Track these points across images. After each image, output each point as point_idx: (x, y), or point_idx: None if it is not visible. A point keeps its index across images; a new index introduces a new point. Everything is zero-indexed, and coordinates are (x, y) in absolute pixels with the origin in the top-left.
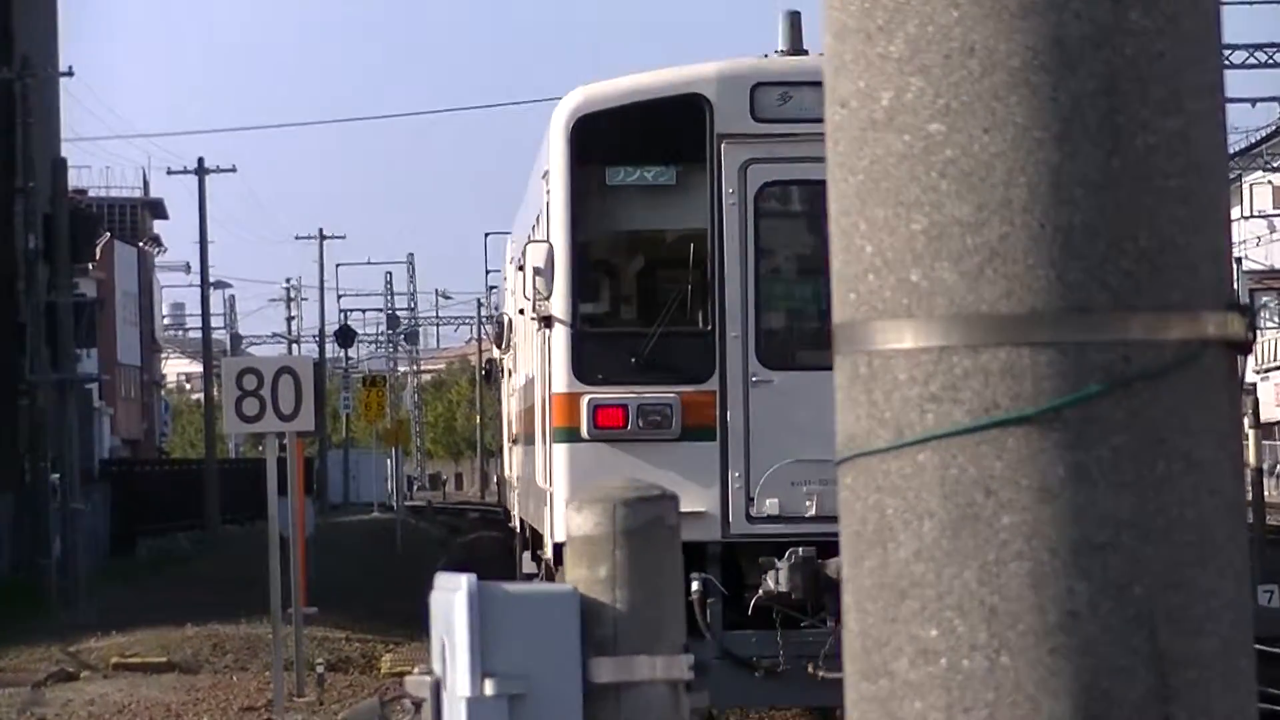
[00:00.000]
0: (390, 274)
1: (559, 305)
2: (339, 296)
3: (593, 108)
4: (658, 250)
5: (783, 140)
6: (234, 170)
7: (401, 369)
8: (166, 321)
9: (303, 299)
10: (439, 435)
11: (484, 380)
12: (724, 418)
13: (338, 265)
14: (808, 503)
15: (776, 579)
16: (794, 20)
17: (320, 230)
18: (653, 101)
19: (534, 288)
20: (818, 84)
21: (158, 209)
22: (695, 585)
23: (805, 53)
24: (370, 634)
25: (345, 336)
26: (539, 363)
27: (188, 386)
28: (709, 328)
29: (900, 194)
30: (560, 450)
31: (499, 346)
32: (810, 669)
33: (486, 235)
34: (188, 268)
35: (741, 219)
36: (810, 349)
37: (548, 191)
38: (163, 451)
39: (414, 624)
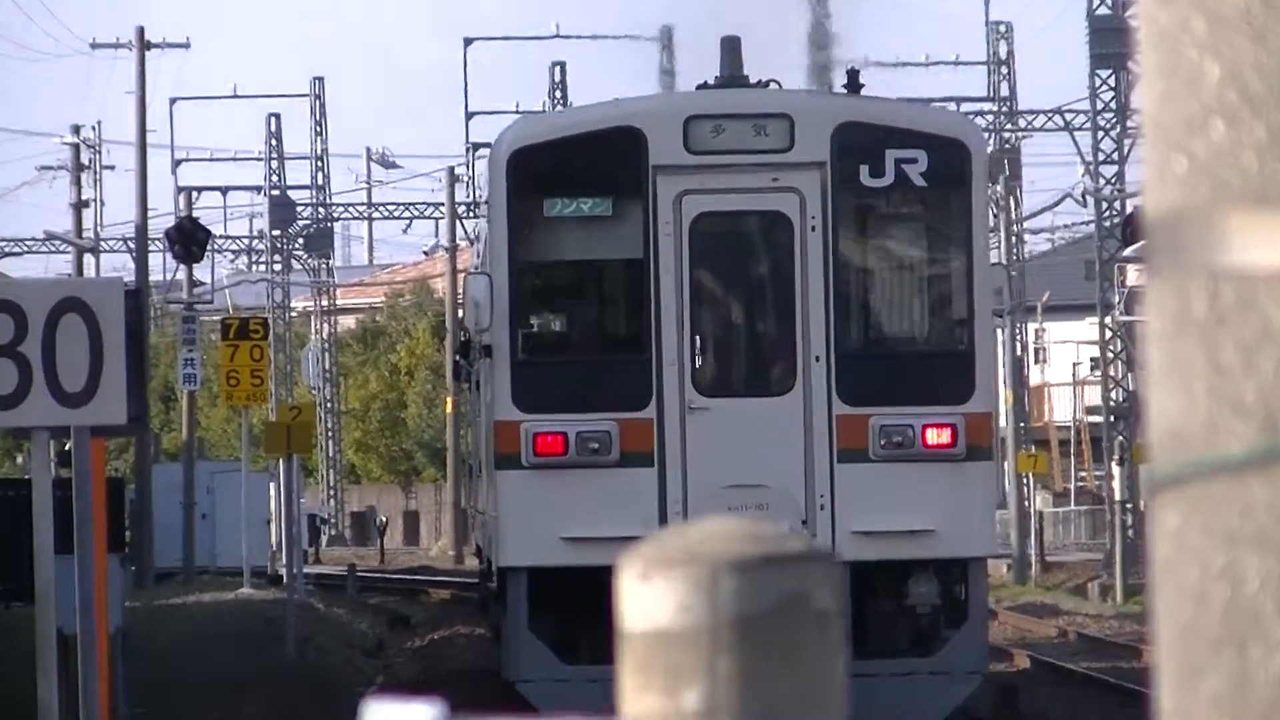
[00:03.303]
0: (277, 119)
1: (498, 336)
2: (177, 162)
3: (530, 141)
4: (595, 280)
5: (716, 171)
6: None
7: (300, 304)
8: None
9: (105, 167)
10: (372, 436)
11: (455, 368)
12: (661, 443)
13: (173, 100)
14: None
15: None
16: (733, 46)
17: (140, 32)
18: (588, 135)
19: (474, 319)
20: (750, 116)
21: None
22: None
23: (746, 78)
24: None
25: (189, 241)
26: (482, 391)
27: None
28: (646, 356)
29: None
30: (501, 477)
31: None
32: None
33: (468, 43)
34: None
35: (677, 249)
36: (746, 376)
37: (488, 221)
38: None
39: None
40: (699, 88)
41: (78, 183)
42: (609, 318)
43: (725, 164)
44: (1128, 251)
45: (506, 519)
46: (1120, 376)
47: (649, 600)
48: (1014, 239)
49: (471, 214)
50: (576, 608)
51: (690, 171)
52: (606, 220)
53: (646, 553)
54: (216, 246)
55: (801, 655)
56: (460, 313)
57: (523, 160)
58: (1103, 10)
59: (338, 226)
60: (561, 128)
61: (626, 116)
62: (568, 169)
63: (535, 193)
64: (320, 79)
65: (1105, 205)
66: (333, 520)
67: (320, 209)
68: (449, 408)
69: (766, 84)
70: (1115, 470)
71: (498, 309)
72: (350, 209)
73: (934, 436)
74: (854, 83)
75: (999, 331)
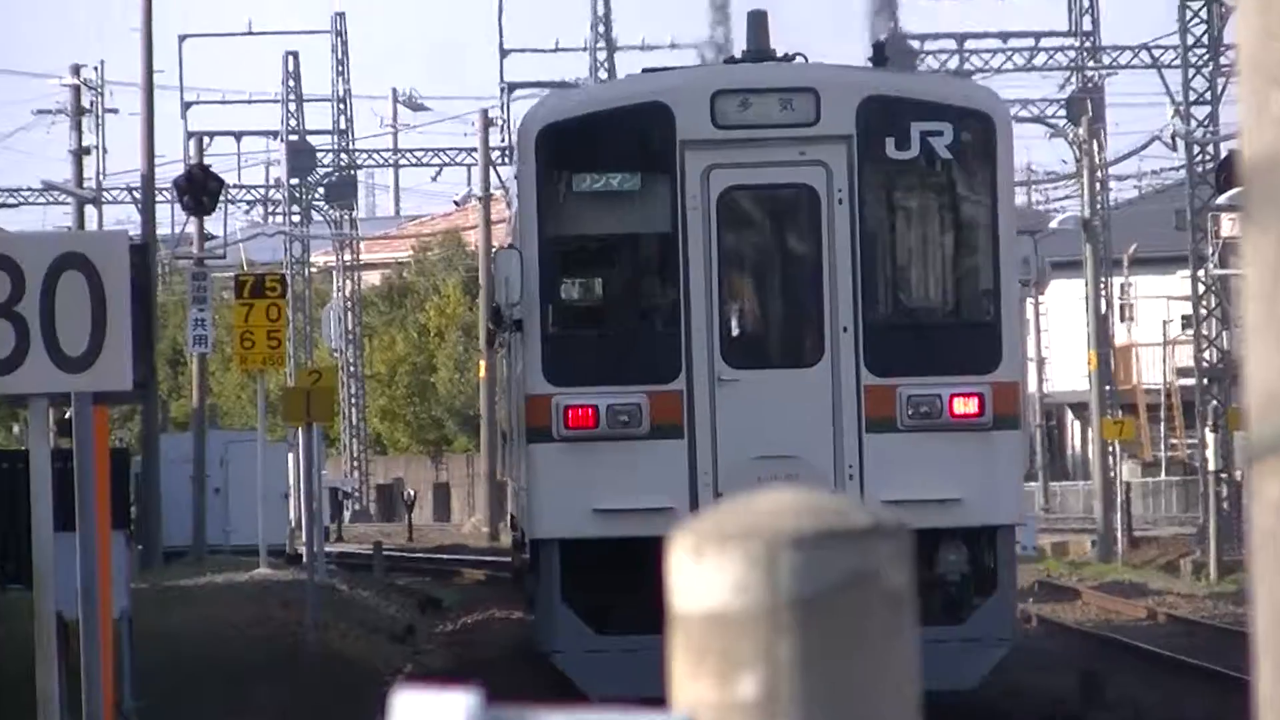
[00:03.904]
0: (295, 58)
1: (529, 310)
2: (187, 105)
3: (558, 117)
4: (624, 254)
5: (744, 145)
6: None
7: (320, 259)
8: None
9: (108, 111)
10: (399, 402)
11: (489, 334)
12: (691, 415)
13: (183, 38)
14: None
15: None
16: (759, 20)
17: None
18: (616, 110)
19: (505, 294)
20: (777, 90)
21: None
22: None
23: (773, 52)
24: None
25: (200, 190)
26: (513, 363)
27: None
28: (675, 329)
29: None
30: (533, 450)
31: (494, 323)
32: None
33: None
34: None
35: (705, 223)
36: (774, 348)
37: (518, 197)
38: None
39: None
40: (726, 62)
41: (78, 128)
42: (638, 291)
43: (752, 138)
44: (1222, 199)
45: (538, 492)
46: (1214, 335)
47: (702, 579)
48: (1098, 186)
49: (506, 160)
50: (609, 579)
51: (718, 146)
52: (635, 195)
53: (699, 527)
54: (230, 197)
55: (869, 638)
56: (493, 269)
57: (551, 137)
58: None
59: (361, 174)
60: (590, 104)
61: (654, 92)
62: (596, 145)
63: (564, 169)
64: (341, 14)
65: (1197, 149)
66: (356, 494)
67: (342, 155)
68: (482, 372)
69: (793, 58)
70: (1209, 437)
71: (528, 284)
72: (375, 155)
73: (961, 406)
74: (880, 56)
75: (1090, 288)
